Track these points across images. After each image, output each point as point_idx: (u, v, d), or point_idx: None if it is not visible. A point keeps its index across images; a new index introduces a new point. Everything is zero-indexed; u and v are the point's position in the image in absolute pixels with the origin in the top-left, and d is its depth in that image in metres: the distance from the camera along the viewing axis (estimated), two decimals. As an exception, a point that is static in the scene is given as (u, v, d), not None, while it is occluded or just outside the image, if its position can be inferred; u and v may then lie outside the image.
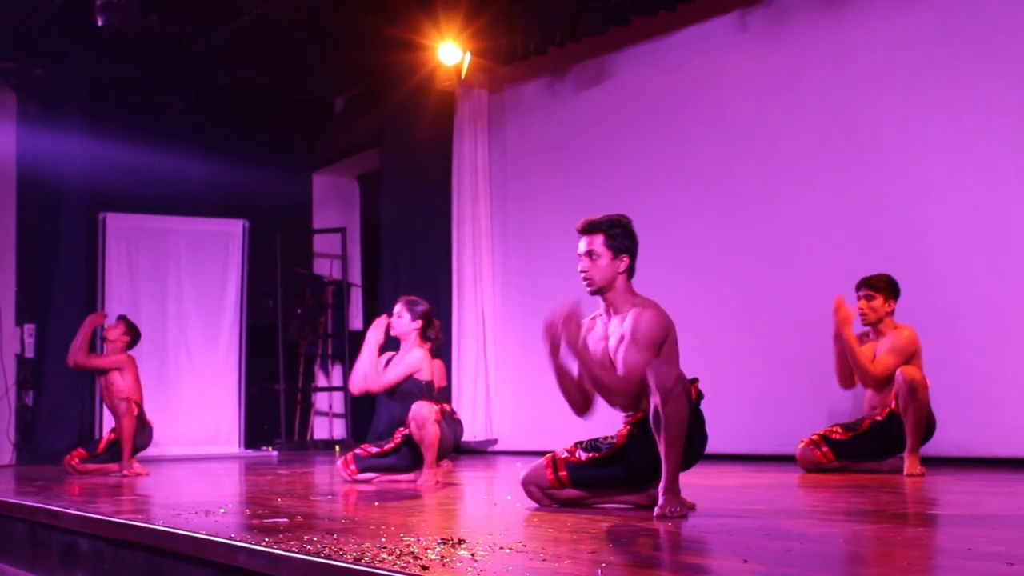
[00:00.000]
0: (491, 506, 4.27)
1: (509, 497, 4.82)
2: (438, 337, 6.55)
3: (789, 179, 7.50)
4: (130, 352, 7.86)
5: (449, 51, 9.29)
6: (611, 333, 4.25)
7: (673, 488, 3.91)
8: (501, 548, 3.14)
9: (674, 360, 4.11)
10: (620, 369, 4.10)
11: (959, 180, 6.58)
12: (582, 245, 4.30)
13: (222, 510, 4.55)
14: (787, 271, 7.46)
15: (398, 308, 6.29)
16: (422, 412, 5.93)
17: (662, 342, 4.11)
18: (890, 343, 5.99)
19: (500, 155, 9.80)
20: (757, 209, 7.69)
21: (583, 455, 4.32)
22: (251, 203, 11.15)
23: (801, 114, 7.45)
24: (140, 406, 7.63)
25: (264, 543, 3.32)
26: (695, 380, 4.11)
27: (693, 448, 4.08)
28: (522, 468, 4.53)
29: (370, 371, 6.18)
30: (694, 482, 4.70)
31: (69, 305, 10.18)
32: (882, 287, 6.04)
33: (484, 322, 9.65)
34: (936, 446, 6.11)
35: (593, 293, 4.30)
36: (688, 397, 3.92)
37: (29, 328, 10.54)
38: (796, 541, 3.22)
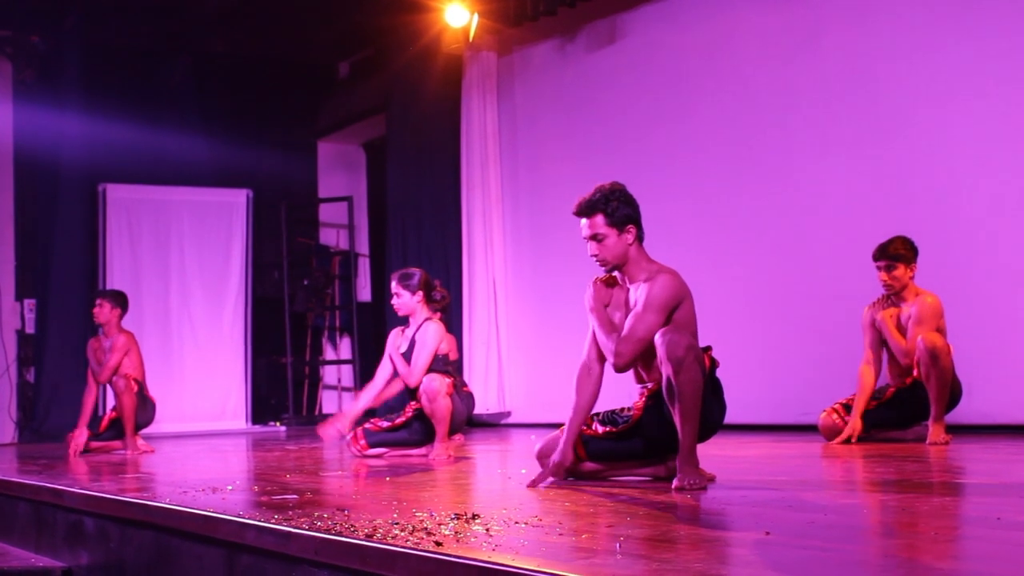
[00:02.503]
0: (505, 480, 4.31)
1: (524, 471, 4.80)
2: (444, 296, 6.49)
3: (809, 140, 7.46)
4: (129, 329, 7.69)
5: (456, 13, 9.20)
6: (629, 301, 4.17)
7: (691, 460, 3.89)
8: (516, 523, 3.13)
9: (688, 329, 4.01)
10: (624, 330, 4.02)
11: (984, 141, 6.50)
12: (584, 228, 4.15)
13: (230, 487, 4.57)
14: (808, 235, 7.42)
15: (394, 287, 6.17)
16: (433, 385, 5.83)
17: (675, 307, 4.02)
18: (916, 314, 5.85)
19: (510, 119, 9.72)
20: (777, 172, 7.64)
21: (600, 428, 4.27)
22: (255, 172, 11.14)
23: (820, 73, 7.38)
24: (141, 383, 7.52)
25: (274, 520, 3.32)
26: (708, 348, 4.04)
27: (711, 418, 4.03)
28: (537, 441, 4.51)
29: (403, 375, 6.09)
30: (714, 453, 4.75)
31: (70, 279, 10.18)
32: (901, 254, 5.86)
33: (495, 291, 9.56)
34: (962, 414, 6.07)
35: (609, 272, 4.20)
36: (701, 365, 3.87)
37: (29, 303, 10.47)
38: (819, 512, 3.22)
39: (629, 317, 4.04)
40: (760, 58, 7.72)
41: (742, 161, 7.79)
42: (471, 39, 9.42)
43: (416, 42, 9.81)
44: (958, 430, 5.99)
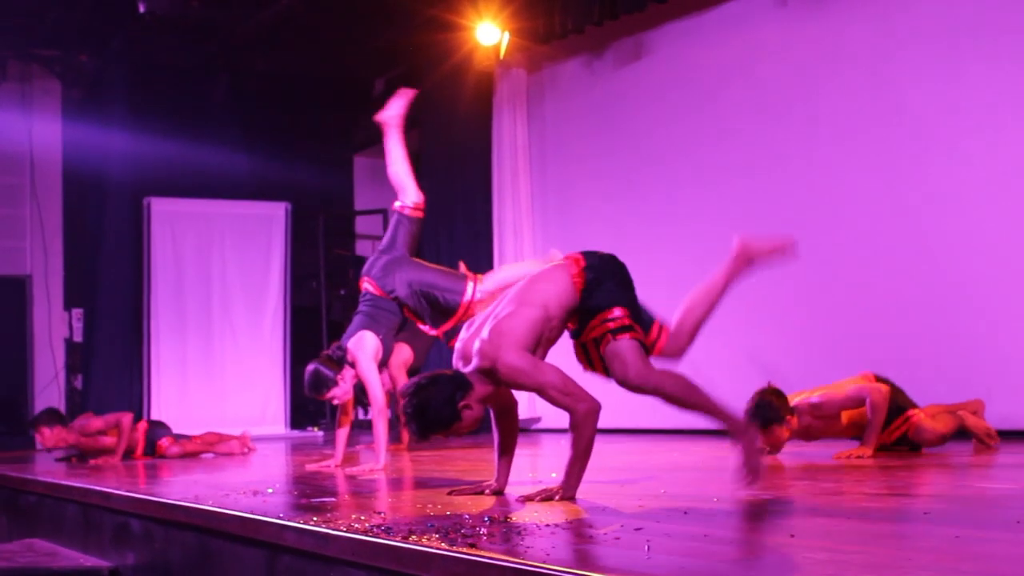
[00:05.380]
0: (536, 484, 4.23)
1: (554, 475, 4.77)
2: (340, 349, 6.07)
3: (830, 154, 7.46)
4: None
5: (487, 31, 9.28)
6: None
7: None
8: (548, 525, 3.16)
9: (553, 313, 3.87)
10: (567, 403, 3.82)
11: (1004, 151, 6.51)
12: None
13: (270, 490, 4.60)
14: (832, 247, 7.37)
15: (324, 397, 5.89)
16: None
17: (534, 348, 3.85)
18: (825, 407, 5.51)
19: (539, 134, 9.79)
20: (798, 186, 7.65)
21: None
22: (293, 186, 11.25)
23: (841, 88, 7.39)
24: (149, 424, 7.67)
25: (313, 522, 3.35)
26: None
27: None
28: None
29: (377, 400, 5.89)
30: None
31: (116, 289, 10.36)
32: (779, 415, 5.31)
33: (526, 302, 9.63)
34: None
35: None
36: (594, 418, 3.79)
37: (77, 313, 10.68)
38: (842, 517, 3.27)
39: (551, 404, 3.84)
40: (783, 74, 7.75)
41: (766, 175, 7.83)
42: (502, 57, 9.50)
43: (448, 60, 9.88)
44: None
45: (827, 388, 5.63)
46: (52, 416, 7.49)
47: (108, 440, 7.39)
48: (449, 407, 3.73)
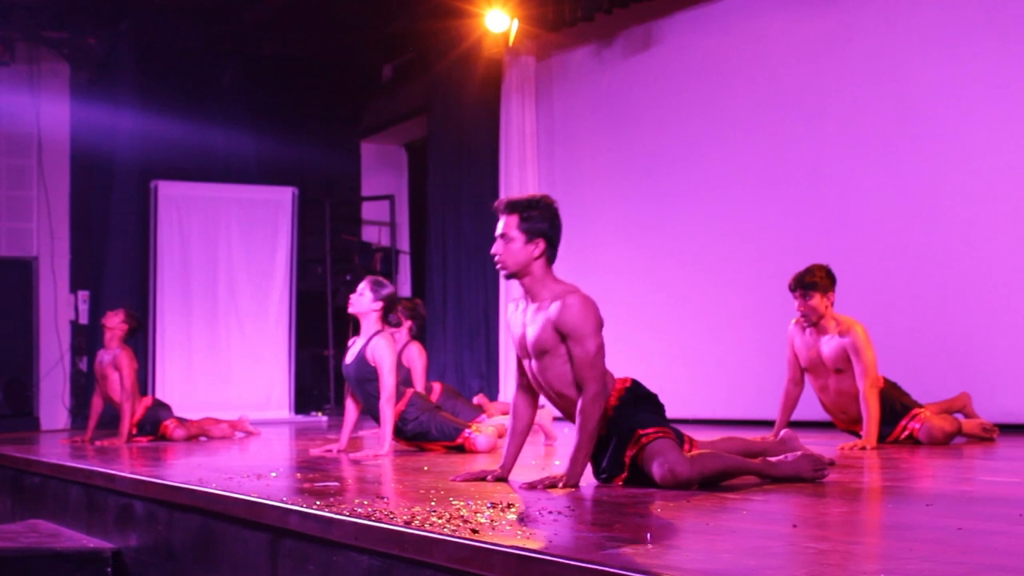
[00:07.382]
0: (540, 472, 4.26)
1: (557, 462, 4.84)
2: (399, 322, 6.33)
3: (838, 143, 7.48)
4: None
5: (497, 18, 9.28)
6: (529, 322, 4.04)
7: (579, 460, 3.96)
8: (550, 512, 3.19)
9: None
10: (581, 375, 3.93)
11: (1012, 142, 6.51)
12: (498, 226, 4.02)
13: (274, 474, 4.63)
14: (841, 235, 7.39)
15: (362, 286, 5.99)
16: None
17: (601, 324, 3.96)
18: (851, 345, 5.61)
19: (547, 122, 9.82)
20: (806, 174, 7.68)
21: None
22: (300, 171, 11.33)
23: (850, 77, 7.41)
24: (156, 401, 7.71)
25: (316, 506, 3.39)
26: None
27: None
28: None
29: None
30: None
31: (122, 272, 10.41)
32: (817, 282, 5.63)
33: (532, 290, 9.67)
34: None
35: (508, 277, 4.05)
36: (602, 402, 3.92)
37: (83, 295, 10.73)
38: (844, 507, 3.32)
39: (575, 361, 3.92)
40: (791, 63, 7.77)
41: (773, 162, 7.85)
42: (511, 44, 9.49)
43: (457, 46, 9.90)
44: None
45: (863, 346, 5.62)
46: (130, 313, 7.57)
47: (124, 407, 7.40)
48: (549, 230, 3.96)
